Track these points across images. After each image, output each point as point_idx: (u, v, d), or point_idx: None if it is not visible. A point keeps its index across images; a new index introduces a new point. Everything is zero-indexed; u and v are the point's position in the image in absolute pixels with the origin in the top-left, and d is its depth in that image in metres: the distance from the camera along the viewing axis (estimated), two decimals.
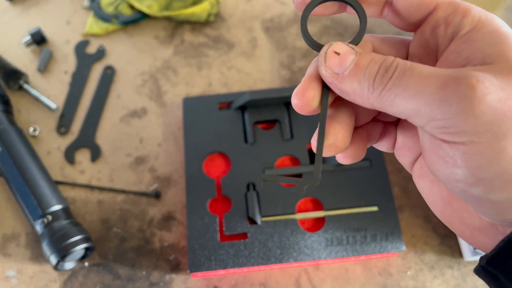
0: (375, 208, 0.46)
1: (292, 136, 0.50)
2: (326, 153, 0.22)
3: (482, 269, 0.20)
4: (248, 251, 0.44)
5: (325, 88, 0.21)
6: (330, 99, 0.22)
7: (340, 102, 0.23)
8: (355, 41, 0.22)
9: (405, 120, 0.24)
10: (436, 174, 0.20)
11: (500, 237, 0.20)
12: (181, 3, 0.60)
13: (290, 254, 0.44)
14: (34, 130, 0.53)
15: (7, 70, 0.55)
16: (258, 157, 0.49)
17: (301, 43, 0.60)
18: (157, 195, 0.50)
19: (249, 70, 0.59)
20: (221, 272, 0.45)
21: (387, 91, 0.18)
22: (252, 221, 0.46)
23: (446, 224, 0.23)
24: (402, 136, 0.24)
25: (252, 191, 0.47)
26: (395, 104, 0.18)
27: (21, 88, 0.56)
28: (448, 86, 0.17)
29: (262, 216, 0.46)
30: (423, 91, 0.17)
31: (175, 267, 0.47)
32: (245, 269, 0.45)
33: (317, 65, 0.21)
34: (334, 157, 0.47)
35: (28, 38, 0.58)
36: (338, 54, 0.20)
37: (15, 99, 0.56)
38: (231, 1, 0.63)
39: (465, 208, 0.21)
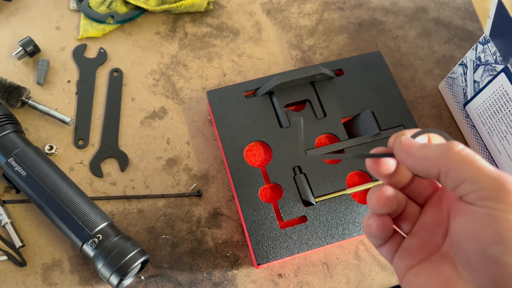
0: None
1: (325, 114, 0.50)
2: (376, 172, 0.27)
3: None
4: (310, 234, 0.44)
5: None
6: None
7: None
8: None
9: (417, 229, 0.28)
10: (460, 233, 0.23)
11: None
12: None
13: (352, 229, 0.45)
14: (51, 148, 0.49)
15: (6, 87, 0.50)
16: (297, 140, 0.49)
17: (305, 22, 0.60)
18: (199, 193, 0.49)
19: (259, 55, 0.58)
20: (284, 258, 0.45)
21: (456, 159, 0.23)
22: (307, 203, 0.46)
23: None
24: (411, 243, 0.28)
25: (299, 174, 0.47)
26: (461, 169, 0.23)
27: (23, 104, 0.51)
28: (501, 174, 0.22)
29: (315, 197, 0.46)
30: (483, 169, 0.22)
31: (235, 263, 0.47)
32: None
33: (394, 148, 0.26)
34: (373, 128, 0.48)
35: (19, 49, 0.53)
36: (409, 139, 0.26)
37: (20, 117, 0.51)
38: None
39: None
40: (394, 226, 0.29)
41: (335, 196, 0.46)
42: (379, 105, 0.51)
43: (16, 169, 0.44)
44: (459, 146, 0.24)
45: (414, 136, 0.27)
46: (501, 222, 0.21)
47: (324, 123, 0.50)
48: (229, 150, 0.48)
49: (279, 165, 0.47)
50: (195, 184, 0.50)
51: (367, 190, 0.47)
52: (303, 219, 0.45)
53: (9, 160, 0.44)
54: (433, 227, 0.27)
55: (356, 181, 0.48)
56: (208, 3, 0.58)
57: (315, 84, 0.52)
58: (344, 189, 0.47)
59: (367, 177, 0.48)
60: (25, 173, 0.44)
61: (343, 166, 0.48)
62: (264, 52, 0.58)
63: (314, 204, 0.46)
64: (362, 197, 0.47)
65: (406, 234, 0.29)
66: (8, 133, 0.46)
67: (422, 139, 0.27)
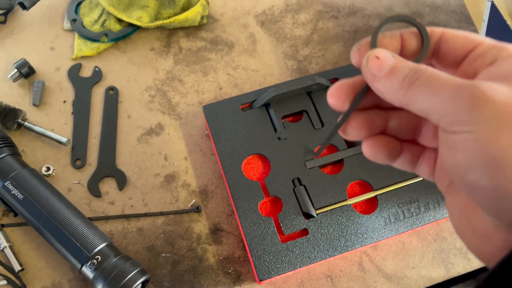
0: (420, 178, 0.47)
1: (322, 124, 0.50)
2: (344, 133, 0.26)
3: None
4: (312, 247, 0.44)
5: (362, 89, 0.25)
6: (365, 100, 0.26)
7: (371, 110, 0.27)
8: (417, 61, 0.24)
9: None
10: (444, 164, 0.22)
11: (501, 244, 0.21)
12: (170, 10, 0.58)
13: (354, 240, 0.44)
14: (48, 169, 0.49)
15: (1, 110, 0.50)
16: (295, 151, 0.48)
17: (300, 32, 0.60)
18: (198, 210, 0.48)
19: (255, 67, 0.57)
20: (287, 273, 0.44)
21: (413, 89, 0.22)
22: (308, 216, 0.45)
23: (460, 237, 0.24)
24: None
25: (299, 186, 0.46)
26: (418, 101, 0.22)
27: (20, 126, 0.51)
28: (462, 87, 0.20)
29: (316, 209, 0.45)
30: (441, 91, 0.21)
31: (237, 279, 0.46)
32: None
33: (361, 65, 0.25)
34: None
35: (14, 71, 0.53)
36: (377, 58, 0.23)
37: (16, 140, 0.51)
38: (219, 0, 0.61)
39: (475, 212, 0.22)
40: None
41: (336, 207, 0.45)
42: None
43: (13, 192, 0.44)
44: (418, 73, 0.22)
45: (374, 41, 0.25)
46: (469, 144, 0.20)
47: (322, 133, 0.49)
48: (227, 164, 0.48)
49: (278, 177, 0.47)
50: (194, 200, 0.49)
51: (368, 200, 0.47)
52: (305, 232, 0.45)
53: (5, 184, 0.44)
54: None
55: (357, 191, 0.47)
56: (202, 18, 0.58)
57: (312, 94, 0.51)
58: (345, 200, 0.46)
59: (368, 186, 0.47)
60: (22, 196, 0.44)
61: (343, 177, 0.47)
62: (260, 64, 0.58)
63: (315, 216, 0.45)
64: (363, 207, 0.47)
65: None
66: (4, 156, 0.46)
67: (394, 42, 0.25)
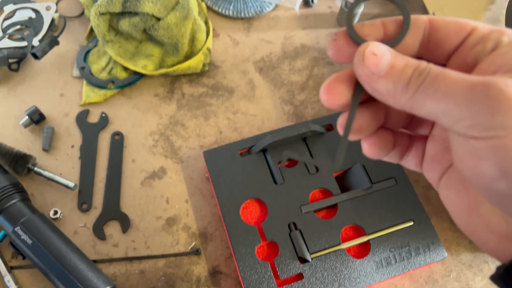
0: (411, 223, 0.49)
1: (317, 169, 0.52)
2: (350, 136, 0.24)
3: (498, 278, 0.20)
4: None
5: (358, 86, 0.23)
6: (361, 98, 0.23)
7: (369, 104, 0.24)
8: (395, 42, 0.22)
9: (436, 132, 0.25)
10: (463, 171, 0.20)
11: None
12: (174, 58, 0.61)
13: (347, 285, 0.45)
14: (55, 213, 0.51)
15: (13, 156, 0.53)
16: (291, 196, 0.50)
17: (296, 78, 0.63)
18: (198, 252, 0.50)
19: (253, 112, 0.60)
20: None
21: (419, 93, 0.20)
22: (303, 260, 0.47)
23: (469, 235, 0.23)
24: (432, 149, 0.25)
25: (295, 230, 0.48)
26: (426, 105, 0.20)
27: (29, 171, 0.54)
28: (477, 88, 0.18)
29: (311, 253, 0.47)
30: (453, 93, 0.19)
31: None
32: None
33: (354, 63, 0.22)
34: (364, 181, 0.49)
35: (26, 118, 0.56)
36: (374, 54, 0.21)
37: (25, 184, 0.53)
38: (220, 48, 0.65)
39: (492, 212, 0.22)
40: (405, 131, 0.26)
41: (330, 252, 0.47)
42: (370, 159, 0.52)
43: (22, 237, 0.46)
44: (418, 72, 0.20)
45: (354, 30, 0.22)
46: (498, 151, 0.18)
47: (317, 178, 0.52)
48: (226, 208, 0.50)
49: (275, 222, 0.49)
50: (194, 243, 0.51)
51: (361, 244, 0.49)
52: (300, 276, 0.46)
53: (15, 229, 0.46)
54: None
55: (351, 235, 0.49)
56: (204, 65, 0.61)
57: (307, 140, 0.54)
58: (339, 244, 0.48)
59: (361, 230, 0.49)
60: (31, 241, 0.46)
61: (337, 221, 0.49)
62: (258, 109, 0.60)
63: (310, 260, 0.47)
64: (356, 252, 0.49)
65: (426, 138, 0.26)
66: (15, 202, 0.48)
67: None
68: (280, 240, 0.48)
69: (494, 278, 0.20)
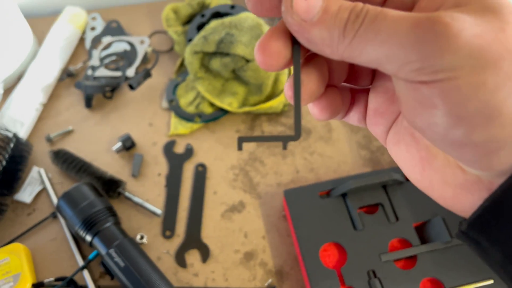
0: (491, 281, 0.48)
1: (397, 218, 0.53)
2: (302, 102, 0.21)
3: (462, 235, 0.19)
4: None
5: (295, 42, 0.20)
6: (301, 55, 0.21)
7: (312, 61, 0.22)
8: None
9: (377, 83, 0.23)
10: (414, 122, 0.19)
11: (485, 194, 0.19)
12: (257, 97, 0.64)
13: None
14: (141, 237, 0.54)
15: (106, 180, 0.56)
16: (371, 243, 0.51)
17: None
18: None
19: (330, 154, 0.62)
20: None
21: (358, 37, 0.18)
22: None
23: (424, 190, 0.22)
24: (375, 101, 0.23)
25: (374, 278, 0.49)
26: (366, 51, 0.18)
27: (119, 195, 0.57)
28: (421, 26, 0.16)
29: None
30: (395, 34, 0.17)
31: None
32: None
33: (282, 11, 0.19)
34: (444, 235, 0.49)
35: (119, 145, 0.60)
36: None
37: (115, 206, 0.57)
38: None
39: (447, 163, 0.20)
40: (347, 85, 0.24)
41: None
42: (450, 212, 0.52)
43: (115, 259, 0.49)
44: (355, 13, 0.18)
45: None
46: (450, 95, 0.16)
47: (396, 227, 0.52)
48: (305, 249, 0.51)
49: (354, 267, 0.50)
50: (270, 280, 0.53)
51: None
52: None
53: (110, 251, 0.49)
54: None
55: None
56: (284, 106, 0.64)
57: (387, 188, 0.55)
58: None
59: (440, 284, 0.49)
60: (124, 264, 0.49)
61: (416, 272, 0.49)
62: (334, 151, 0.62)
63: None
64: None
65: (368, 89, 0.24)
66: (109, 225, 0.51)
67: None
68: (359, 287, 0.49)
69: (458, 235, 0.19)
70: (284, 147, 0.22)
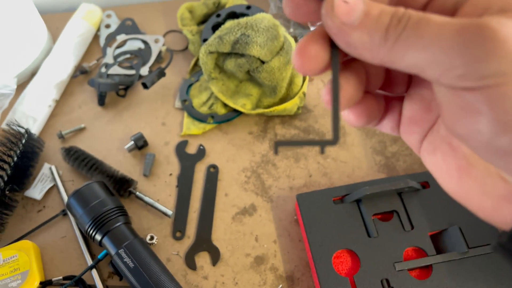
0: None
1: (412, 227, 0.52)
2: (341, 108, 0.21)
3: (501, 247, 0.18)
4: None
5: (334, 46, 0.20)
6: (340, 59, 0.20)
7: (350, 65, 0.22)
8: None
9: (413, 90, 0.23)
10: (455, 130, 0.18)
11: None
12: (271, 99, 0.63)
13: None
14: (152, 238, 0.54)
15: (117, 179, 0.56)
16: (385, 251, 0.50)
17: None
18: None
19: (344, 158, 0.61)
20: None
21: (400, 42, 0.17)
22: None
23: (461, 201, 0.21)
24: (410, 109, 0.23)
25: (387, 287, 0.48)
26: (408, 56, 0.17)
27: (130, 194, 0.56)
28: (467, 31, 0.16)
29: None
30: (439, 39, 0.16)
31: None
32: None
33: (322, 14, 0.19)
34: (461, 245, 0.48)
35: (131, 143, 0.59)
36: (346, 2, 0.18)
37: (125, 206, 0.56)
38: (314, 93, 0.67)
39: (487, 174, 0.20)
40: (380, 92, 0.23)
41: None
42: (467, 222, 0.51)
43: (125, 260, 0.48)
44: (397, 18, 0.17)
45: None
46: (497, 102, 0.16)
47: (411, 235, 0.51)
48: (317, 255, 0.50)
49: (367, 276, 0.49)
50: (281, 286, 0.52)
51: None
52: None
53: (119, 251, 0.49)
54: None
55: None
56: (298, 108, 0.63)
57: (402, 195, 0.53)
58: None
59: None
60: (133, 265, 0.48)
61: (432, 283, 0.48)
62: (349, 156, 0.61)
63: None
64: None
65: (403, 98, 0.23)
66: (120, 224, 0.51)
67: None
68: None
69: (496, 247, 0.18)
70: (322, 151, 0.21)
